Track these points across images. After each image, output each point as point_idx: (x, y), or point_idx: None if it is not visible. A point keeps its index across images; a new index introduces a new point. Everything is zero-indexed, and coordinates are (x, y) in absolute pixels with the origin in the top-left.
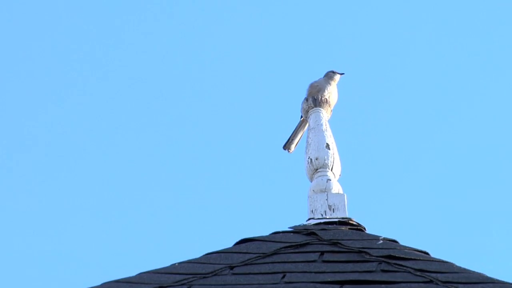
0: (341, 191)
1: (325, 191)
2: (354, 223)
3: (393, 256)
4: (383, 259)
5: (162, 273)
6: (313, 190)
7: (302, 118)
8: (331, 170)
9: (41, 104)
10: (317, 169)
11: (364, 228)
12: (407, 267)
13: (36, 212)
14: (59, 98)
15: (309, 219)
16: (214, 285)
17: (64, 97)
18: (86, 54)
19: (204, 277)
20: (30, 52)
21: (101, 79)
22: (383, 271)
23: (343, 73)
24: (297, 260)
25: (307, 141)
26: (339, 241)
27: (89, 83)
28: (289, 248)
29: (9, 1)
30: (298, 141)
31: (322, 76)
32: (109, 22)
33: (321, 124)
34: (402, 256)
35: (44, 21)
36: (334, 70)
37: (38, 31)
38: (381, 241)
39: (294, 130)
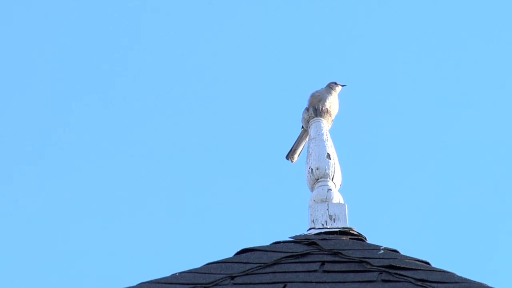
0: (342, 201)
1: (326, 201)
2: (355, 233)
3: (394, 266)
4: (384, 269)
5: (162, 283)
6: (314, 200)
7: (303, 128)
8: (332, 180)
9: (45, 105)
10: (317, 179)
11: (365, 238)
12: (408, 277)
13: (43, 216)
14: (62, 101)
15: (310, 229)
16: None
17: (67, 102)
18: (87, 55)
19: (205, 287)
20: (29, 52)
21: (106, 82)
22: (384, 281)
23: (344, 85)
24: (297, 270)
25: (308, 151)
26: (340, 251)
27: (91, 85)
28: (289, 258)
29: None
30: (301, 151)
31: (323, 85)
32: (113, 24)
33: (322, 134)
34: (403, 266)
35: (43, 22)
36: (337, 82)
37: (37, 32)
38: (382, 251)
39: (296, 140)
